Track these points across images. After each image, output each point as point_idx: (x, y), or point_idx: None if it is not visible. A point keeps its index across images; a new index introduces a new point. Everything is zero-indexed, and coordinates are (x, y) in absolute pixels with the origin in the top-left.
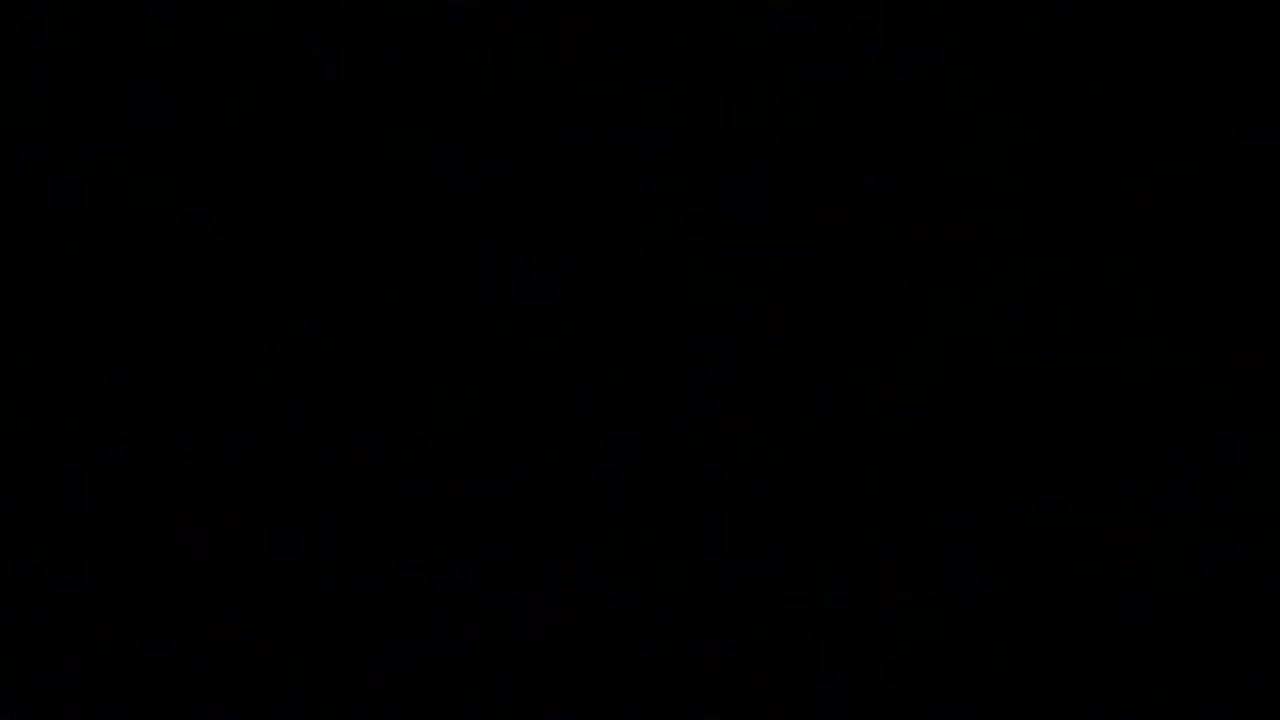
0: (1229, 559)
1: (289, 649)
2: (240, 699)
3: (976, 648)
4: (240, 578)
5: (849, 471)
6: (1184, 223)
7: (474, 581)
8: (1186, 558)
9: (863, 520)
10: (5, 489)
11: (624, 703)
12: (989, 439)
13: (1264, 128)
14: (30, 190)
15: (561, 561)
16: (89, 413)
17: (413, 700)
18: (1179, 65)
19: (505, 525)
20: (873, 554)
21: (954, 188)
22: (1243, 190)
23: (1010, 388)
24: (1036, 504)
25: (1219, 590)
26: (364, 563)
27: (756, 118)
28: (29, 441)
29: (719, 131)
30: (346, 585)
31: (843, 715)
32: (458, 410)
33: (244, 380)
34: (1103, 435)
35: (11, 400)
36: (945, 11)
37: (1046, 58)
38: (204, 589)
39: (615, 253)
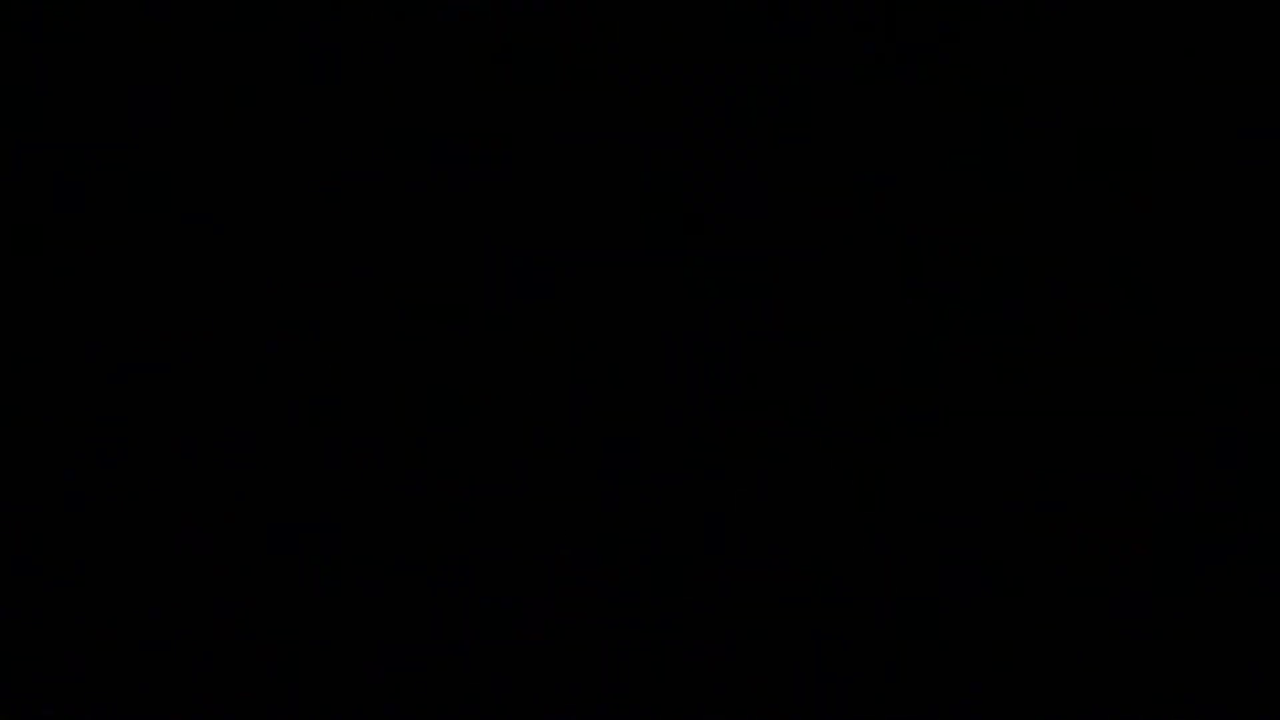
0: (1229, 559)
1: (289, 649)
2: (240, 699)
3: (976, 648)
4: (240, 578)
5: (849, 471)
6: (1184, 223)
7: (474, 581)
8: (1186, 558)
9: (863, 520)
10: (5, 489)
11: (624, 703)
12: (989, 439)
13: (1264, 128)
14: (30, 190)
15: (561, 561)
16: (89, 413)
17: (413, 700)
18: (1179, 65)
19: (505, 525)
20: (873, 554)
21: (954, 188)
22: (1242, 190)
23: (1010, 388)
24: (1036, 504)
25: (1219, 590)
26: (364, 563)
27: (756, 118)
28: (29, 441)
29: (719, 131)
30: (346, 585)
31: (843, 715)
32: (458, 410)
33: (244, 380)
34: (1102, 435)
35: (11, 400)
36: (945, 11)
37: (1046, 58)
38: (204, 589)
39: (615, 253)
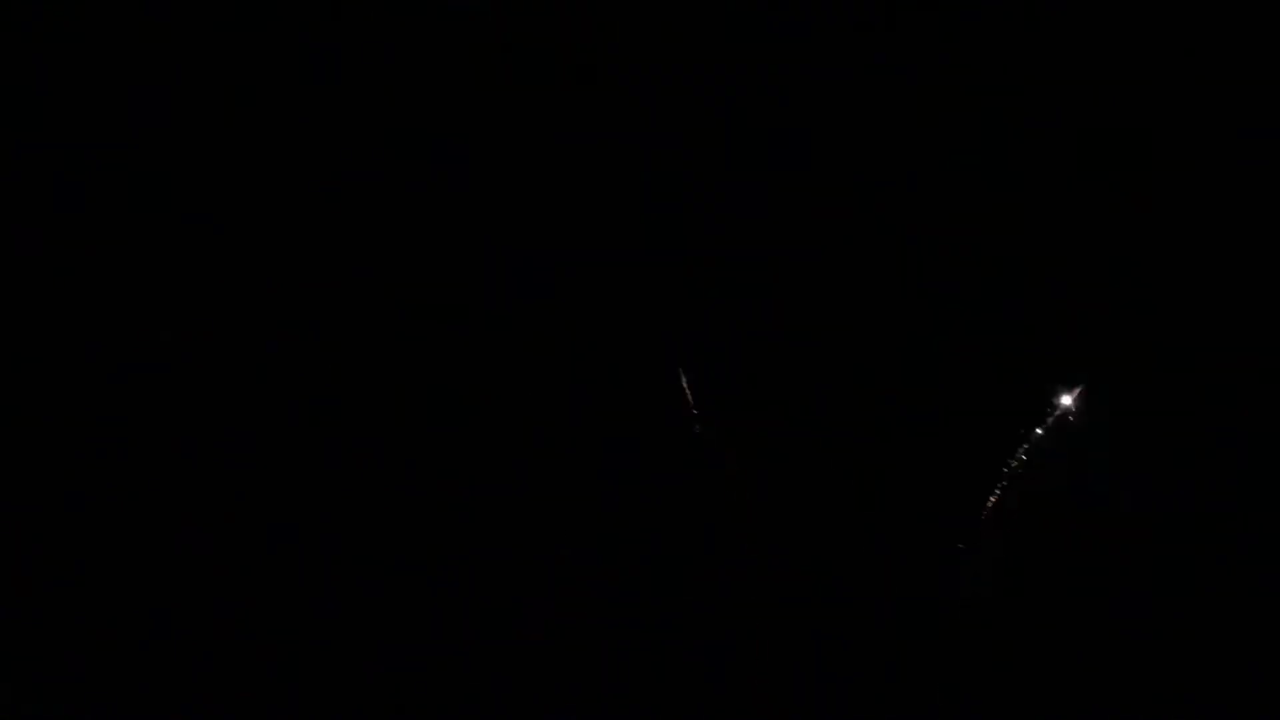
0: (1229, 559)
1: (289, 649)
2: (240, 699)
3: (977, 648)
4: (240, 578)
5: (849, 472)
6: (1184, 223)
7: (474, 582)
8: (1187, 558)
9: (862, 520)
10: (5, 489)
11: (623, 703)
12: (989, 439)
13: (1264, 127)
14: (30, 190)
15: (561, 562)
16: (89, 413)
17: (413, 700)
18: (1179, 65)
19: (505, 525)
20: (872, 554)
21: (954, 188)
22: (1243, 190)
23: (1010, 388)
24: (1036, 504)
25: (1219, 590)
26: (363, 563)
27: (756, 117)
28: (29, 442)
29: (720, 131)
30: (346, 585)
31: (842, 715)
32: (457, 410)
33: (243, 380)
34: (1103, 435)
35: (11, 400)
36: (945, 11)
37: (1046, 58)
38: (204, 589)
39: (616, 253)
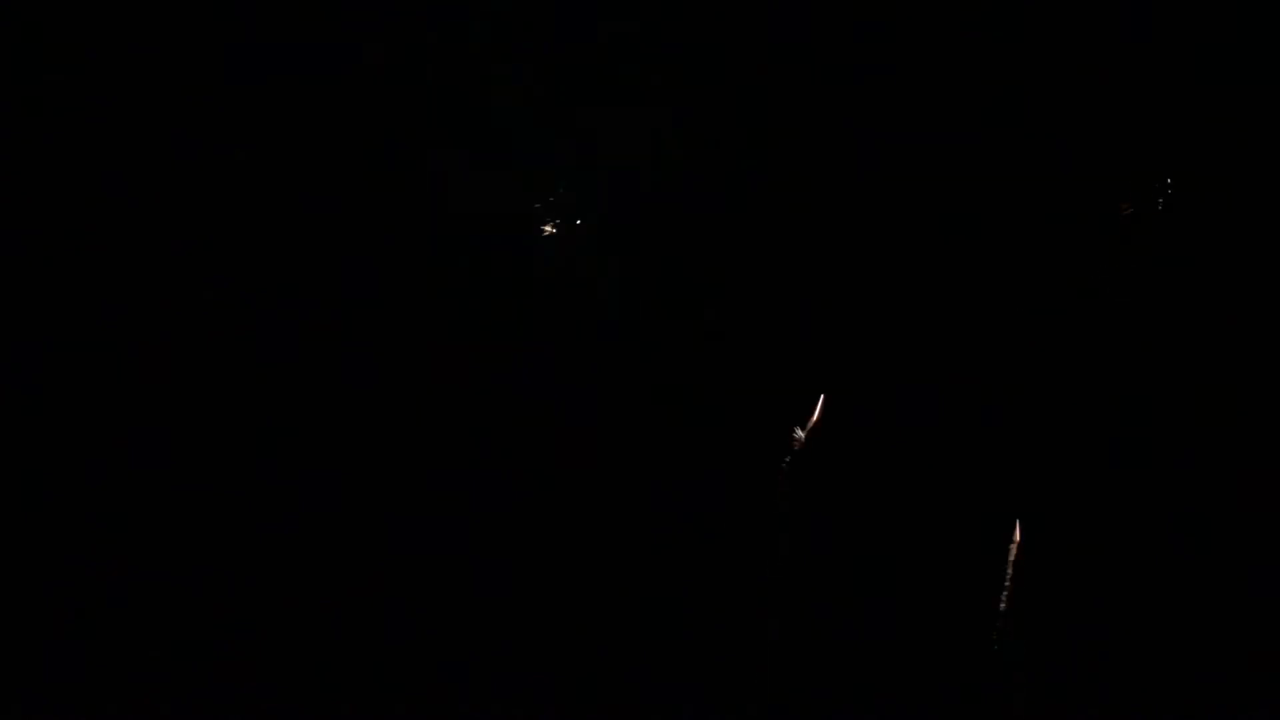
0: (1229, 559)
1: (288, 649)
2: (238, 699)
3: (976, 648)
4: (238, 578)
5: (850, 471)
6: (1185, 224)
7: (473, 581)
8: (1187, 558)
9: (863, 520)
10: (5, 489)
11: (622, 704)
12: (995, 441)
13: (1264, 131)
14: (30, 190)
15: (561, 563)
16: (88, 414)
17: (413, 700)
18: (1179, 70)
19: (504, 526)
20: (872, 554)
21: (954, 188)
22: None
23: (1013, 389)
24: (1037, 505)
25: (1219, 590)
26: (363, 563)
27: (758, 116)
28: (29, 442)
29: (722, 130)
30: (345, 584)
31: (843, 715)
32: (454, 411)
33: (240, 381)
34: (1102, 435)
35: (11, 400)
36: (945, 11)
37: (1047, 59)
38: (202, 588)
39: (615, 251)
